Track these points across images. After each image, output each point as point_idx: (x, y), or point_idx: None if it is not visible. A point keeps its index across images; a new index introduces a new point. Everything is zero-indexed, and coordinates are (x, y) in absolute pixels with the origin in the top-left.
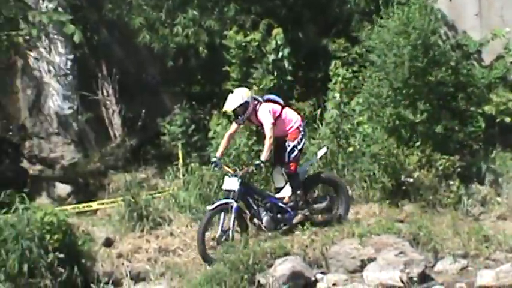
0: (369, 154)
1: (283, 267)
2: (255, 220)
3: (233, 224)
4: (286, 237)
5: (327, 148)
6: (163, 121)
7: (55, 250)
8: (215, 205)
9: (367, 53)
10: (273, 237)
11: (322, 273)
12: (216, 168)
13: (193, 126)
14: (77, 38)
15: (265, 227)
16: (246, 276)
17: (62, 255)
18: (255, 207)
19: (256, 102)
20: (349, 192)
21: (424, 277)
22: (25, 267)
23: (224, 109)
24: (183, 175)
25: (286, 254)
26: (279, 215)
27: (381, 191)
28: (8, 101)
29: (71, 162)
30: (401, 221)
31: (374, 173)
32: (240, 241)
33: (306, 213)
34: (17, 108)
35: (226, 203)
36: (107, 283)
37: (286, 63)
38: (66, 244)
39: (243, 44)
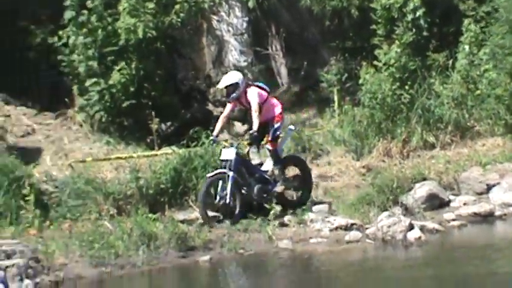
0: (493, 96)
1: (421, 190)
2: (245, 188)
3: (230, 191)
4: (423, 165)
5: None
6: (321, 71)
7: None
8: (214, 173)
9: (494, 10)
10: (412, 166)
11: (454, 195)
12: (214, 145)
13: (346, 75)
14: (251, 4)
15: (255, 195)
16: (390, 197)
17: None
18: (247, 178)
19: (246, 85)
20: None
21: None
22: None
23: (217, 86)
24: (338, 115)
25: (424, 179)
26: (265, 186)
27: (504, 127)
28: (196, 56)
29: None
30: None
31: (498, 112)
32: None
33: (283, 185)
34: (203, 61)
35: (224, 172)
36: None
37: (422, 21)
38: None
39: (387, 6)
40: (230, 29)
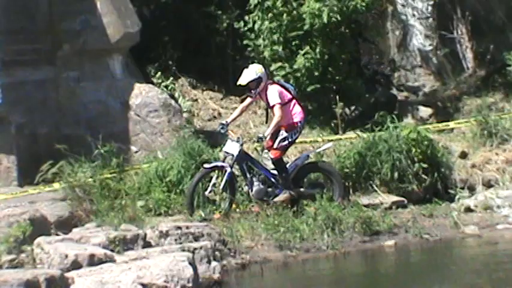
0: None
1: None
2: (245, 187)
3: (223, 187)
4: None
5: (332, 144)
6: (508, 54)
7: (419, 161)
8: (212, 165)
9: None
10: None
11: None
12: (222, 131)
13: None
14: None
15: (253, 195)
16: None
17: (425, 165)
18: (248, 176)
19: (269, 80)
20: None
21: None
22: (395, 174)
23: (238, 82)
24: None
25: None
26: (269, 189)
27: None
28: (380, 40)
29: (431, 90)
30: None
31: None
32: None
33: (292, 194)
34: (387, 45)
35: (222, 166)
36: (462, 188)
37: None
38: (428, 156)
39: None
40: (415, 12)
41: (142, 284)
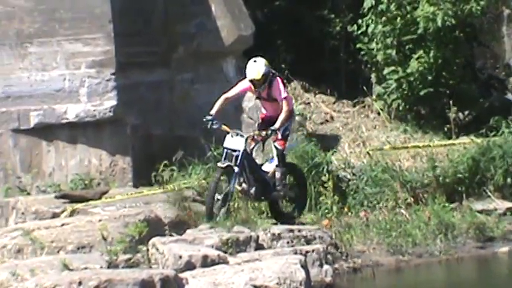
0: None
1: None
2: (244, 185)
3: (232, 188)
4: None
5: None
6: None
7: None
8: (226, 164)
9: None
10: None
11: None
12: (214, 126)
13: None
14: None
15: (251, 194)
16: None
17: None
18: (248, 173)
19: (271, 74)
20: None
21: None
22: (509, 180)
23: (251, 77)
24: None
25: None
26: (264, 188)
27: None
28: (495, 44)
29: None
30: None
31: None
32: None
33: (281, 193)
34: (503, 49)
35: (231, 166)
36: None
37: None
38: None
39: None
40: None
41: (254, 286)
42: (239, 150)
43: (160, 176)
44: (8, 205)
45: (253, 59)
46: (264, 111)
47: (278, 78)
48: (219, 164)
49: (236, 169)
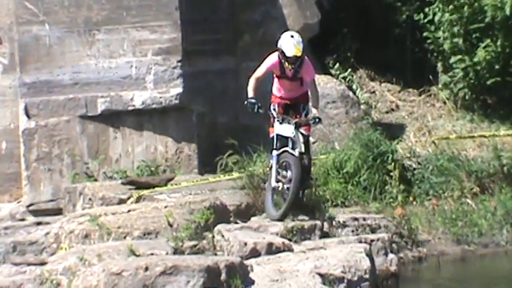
0: None
1: None
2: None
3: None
4: None
5: None
6: None
7: None
8: (281, 150)
9: None
10: None
11: None
12: (261, 110)
13: None
14: None
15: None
16: None
17: None
18: (276, 166)
19: None
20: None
21: None
22: None
23: (292, 54)
24: None
25: None
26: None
27: None
28: None
29: None
30: None
31: None
32: None
33: (312, 182)
34: None
35: (287, 151)
36: None
37: None
38: None
39: None
40: None
41: (319, 274)
42: (290, 137)
43: (225, 163)
44: (76, 191)
45: (289, 33)
46: (278, 93)
47: (307, 58)
48: (274, 152)
49: (296, 152)
